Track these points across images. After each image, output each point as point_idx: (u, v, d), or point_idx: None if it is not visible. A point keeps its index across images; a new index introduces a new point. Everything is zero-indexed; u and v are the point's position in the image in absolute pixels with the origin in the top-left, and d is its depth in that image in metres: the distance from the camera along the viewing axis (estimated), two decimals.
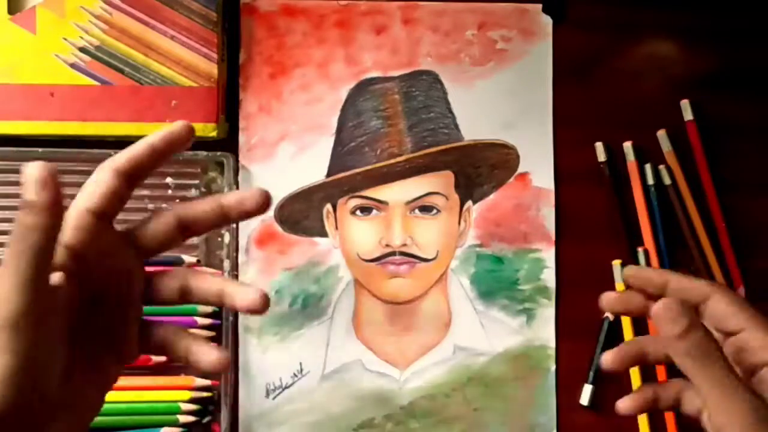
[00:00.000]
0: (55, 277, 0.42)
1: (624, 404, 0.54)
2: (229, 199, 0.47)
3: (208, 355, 0.47)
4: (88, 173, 0.71)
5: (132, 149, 0.47)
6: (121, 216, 0.72)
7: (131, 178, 0.47)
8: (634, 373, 0.72)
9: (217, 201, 0.47)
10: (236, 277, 0.72)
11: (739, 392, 0.46)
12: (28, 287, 0.39)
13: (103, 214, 0.45)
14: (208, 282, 0.47)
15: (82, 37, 0.70)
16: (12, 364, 0.39)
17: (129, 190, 0.47)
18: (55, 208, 0.40)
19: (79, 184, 0.70)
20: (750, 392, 0.46)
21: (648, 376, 0.72)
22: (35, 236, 0.39)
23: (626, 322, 0.73)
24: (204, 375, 0.70)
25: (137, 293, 0.47)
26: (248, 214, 0.47)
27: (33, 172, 0.40)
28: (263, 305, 0.46)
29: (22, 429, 0.40)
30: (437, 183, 0.73)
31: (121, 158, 0.46)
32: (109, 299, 0.45)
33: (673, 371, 0.51)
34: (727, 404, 0.46)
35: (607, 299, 0.54)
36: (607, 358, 0.53)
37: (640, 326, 0.73)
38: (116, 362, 0.46)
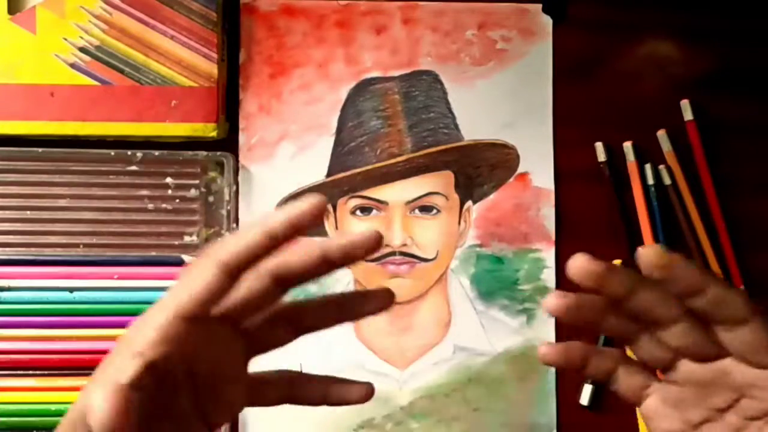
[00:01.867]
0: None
1: (545, 349, 0.44)
2: (333, 247, 0.41)
3: (351, 392, 0.44)
4: (88, 173, 0.72)
5: (245, 238, 0.39)
6: (120, 216, 0.73)
7: (240, 272, 0.39)
8: None
9: (319, 250, 0.41)
10: None
11: None
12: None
13: (202, 318, 0.39)
14: (312, 388, 0.44)
15: (82, 37, 0.70)
16: None
17: (234, 284, 0.39)
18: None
19: (79, 184, 0.71)
20: None
21: None
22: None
23: None
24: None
25: (236, 366, 0.42)
26: (356, 259, 0.41)
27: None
28: (371, 393, 0.44)
29: None
30: (437, 183, 0.73)
31: (230, 250, 0.38)
32: (201, 379, 0.40)
33: None
34: None
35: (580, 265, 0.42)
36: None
37: None
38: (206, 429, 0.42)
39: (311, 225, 0.39)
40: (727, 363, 0.43)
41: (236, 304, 0.41)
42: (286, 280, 0.42)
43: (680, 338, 0.43)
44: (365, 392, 0.44)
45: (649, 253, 0.41)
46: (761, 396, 0.43)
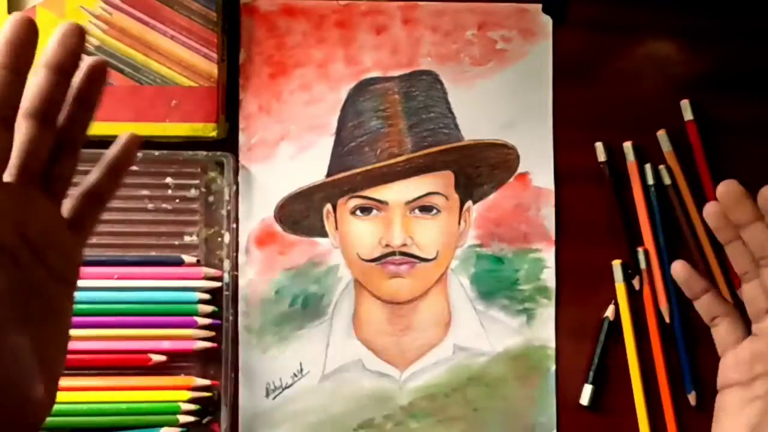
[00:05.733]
0: None
1: (680, 267, 0.57)
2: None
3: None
4: (88, 173, 0.72)
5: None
6: (120, 216, 0.73)
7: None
8: (634, 374, 0.72)
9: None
10: (236, 277, 0.72)
11: None
12: None
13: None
14: (106, 182, 0.49)
15: None
16: None
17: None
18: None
19: (77, 184, 0.71)
20: None
21: (649, 376, 0.72)
22: None
23: (626, 322, 0.73)
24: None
25: (57, 219, 0.45)
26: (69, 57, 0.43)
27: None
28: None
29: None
30: (437, 183, 0.73)
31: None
32: (35, 241, 0.42)
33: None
34: None
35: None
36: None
37: (640, 327, 0.73)
38: (61, 286, 0.44)
39: (26, 40, 0.39)
40: None
41: (21, 155, 0.42)
42: (45, 114, 0.43)
43: None
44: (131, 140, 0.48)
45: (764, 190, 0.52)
46: None
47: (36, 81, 0.42)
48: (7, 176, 0.42)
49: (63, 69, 0.42)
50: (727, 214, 0.53)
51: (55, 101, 0.43)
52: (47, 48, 0.42)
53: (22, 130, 0.42)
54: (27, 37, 0.39)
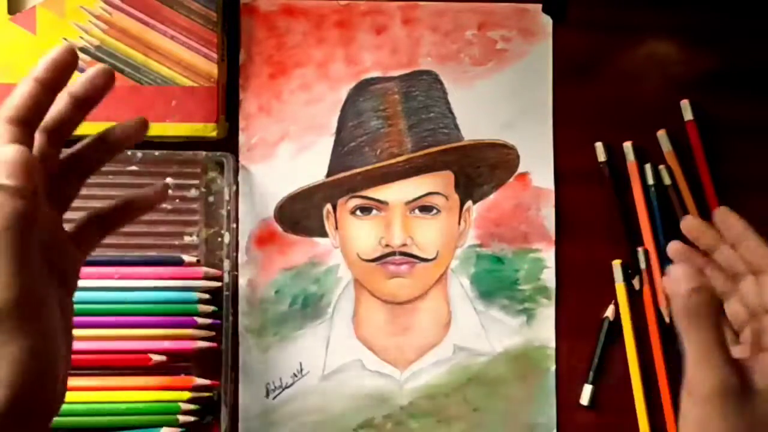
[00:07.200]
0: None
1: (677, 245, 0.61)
2: (76, 87, 0.45)
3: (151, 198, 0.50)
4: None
5: (19, 91, 0.43)
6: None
7: (29, 124, 0.43)
8: (634, 374, 0.72)
9: (66, 94, 0.45)
10: (236, 277, 0.72)
11: (713, 359, 0.47)
12: (24, 271, 0.39)
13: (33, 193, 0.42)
14: (118, 215, 0.50)
15: (82, 37, 0.70)
16: (29, 346, 0.39)
17: (25, 137, 0.43)
18: (35, 195, 0.40)
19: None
20: (725, 363, 0.47)
21: (649, 376, 0.72)
22: (19, 222, 0.39)
23: (626, 322, 0.73)
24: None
25: (61, 230, 0.46)
26: (97, 90, 0.46)
27: (9, 156, 0.39)
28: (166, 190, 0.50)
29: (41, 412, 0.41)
30: (437, 183, 0.73)
31: (11, 105, 0.43)
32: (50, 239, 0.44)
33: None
34: (701, 366, 0.48)
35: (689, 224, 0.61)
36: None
37: (641, 326, 0.73)
38: (67, 296, 0.46)
39: (69, 65, 0.43)
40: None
41: (39, 170, 0.43)
42: (56, 132, 0.45)
43: (747, 290, 0.57)
44: (163, 191, 0.50)
45: (720, 210, 0.60)
46: None
47: (55, 107, 0.45)
48: None
49: (80, 100, 0.46)
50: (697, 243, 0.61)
51: (68, 122, 0.46)
52: (80, 83, 0.45)
53: (36, 142, 0.44)
54: (69, 63, 0.43)
